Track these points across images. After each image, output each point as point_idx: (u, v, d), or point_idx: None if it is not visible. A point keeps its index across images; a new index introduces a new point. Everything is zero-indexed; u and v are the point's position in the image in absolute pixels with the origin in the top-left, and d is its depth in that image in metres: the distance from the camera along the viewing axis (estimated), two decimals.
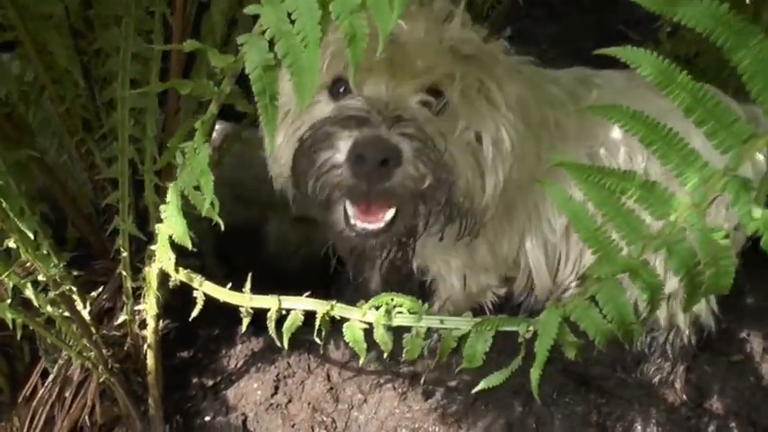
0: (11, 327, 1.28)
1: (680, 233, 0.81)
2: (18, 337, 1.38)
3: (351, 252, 1.26)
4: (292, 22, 0.81)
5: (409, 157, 0.97)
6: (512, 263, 1.40)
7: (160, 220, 1.36)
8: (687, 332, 1.48)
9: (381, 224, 1.05)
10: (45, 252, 1.26)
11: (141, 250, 1.43)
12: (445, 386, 1.54)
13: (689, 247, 0.81)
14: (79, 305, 1.36)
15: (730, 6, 0.71)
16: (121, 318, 1.45)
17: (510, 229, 1.32)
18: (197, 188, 1.01)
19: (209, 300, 1.23)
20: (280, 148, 1.13)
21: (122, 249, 1.39)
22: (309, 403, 1.54)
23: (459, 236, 1.16)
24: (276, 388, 1.56)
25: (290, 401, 1.55)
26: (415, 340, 1.01)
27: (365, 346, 1.04)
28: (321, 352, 1.61)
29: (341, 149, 0.98)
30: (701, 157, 0.79)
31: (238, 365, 1.60)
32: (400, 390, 1.57)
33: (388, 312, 1.00)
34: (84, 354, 1.36)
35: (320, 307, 1.11)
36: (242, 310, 1.18)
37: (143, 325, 1.45)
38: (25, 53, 1.26)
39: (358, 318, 1.04)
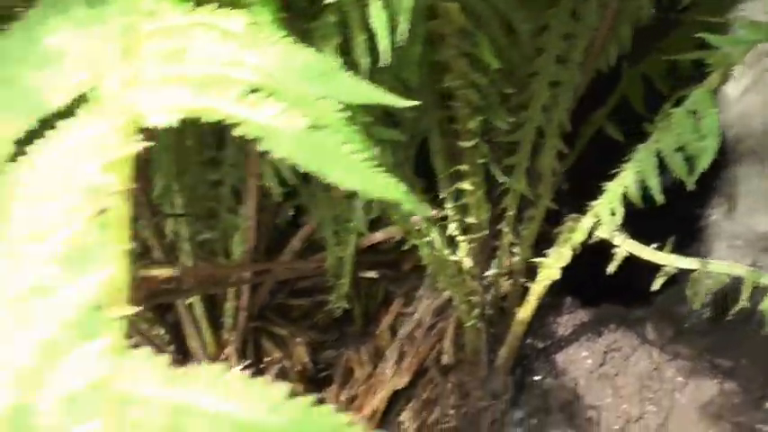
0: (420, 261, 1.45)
1: None
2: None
3: None
4: None
5: None
6: None
7: (551, 184, 1.51)
8: None
9: None
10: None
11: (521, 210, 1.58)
12: None
13: None
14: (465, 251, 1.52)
15: None
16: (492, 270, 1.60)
17: None
18: (679, 149, 1.14)
19: None
20: None
21: (509, 208, 1.54)
22: (636, 378, 1.64)
23: None
24: (604, 359, 1.67)
25: (617, 374, 1.65)
26: None
27: None
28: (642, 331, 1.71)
29: None
30: None
31: (567, 333, 1.72)
32: (717, 380, 1.65)
33: None
34: (470, 298, 1.51)
35: (750, 275, 1.21)
36: (662, 270, 1.30)
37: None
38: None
39: None
